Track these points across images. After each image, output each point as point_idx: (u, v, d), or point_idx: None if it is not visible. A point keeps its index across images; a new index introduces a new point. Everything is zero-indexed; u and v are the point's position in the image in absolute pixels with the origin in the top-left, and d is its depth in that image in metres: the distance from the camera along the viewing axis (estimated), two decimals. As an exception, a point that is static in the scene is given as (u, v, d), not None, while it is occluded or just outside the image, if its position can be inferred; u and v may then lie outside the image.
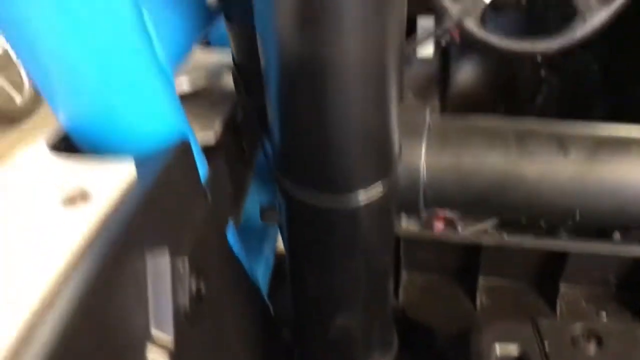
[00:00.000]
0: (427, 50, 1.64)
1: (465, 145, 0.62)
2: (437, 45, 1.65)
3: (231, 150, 0.73)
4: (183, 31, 0.61)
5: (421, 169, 0.63)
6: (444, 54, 1.70)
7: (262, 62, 0.56)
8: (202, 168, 0.61)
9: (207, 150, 0.65)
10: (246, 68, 0.72)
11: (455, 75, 1.74)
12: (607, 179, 0.57)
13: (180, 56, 0.61)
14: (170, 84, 0.55)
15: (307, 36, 0.49)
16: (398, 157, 0.65)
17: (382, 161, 0.65)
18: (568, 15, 1.13)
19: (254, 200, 0.87)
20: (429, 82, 1.76)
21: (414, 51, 1.66)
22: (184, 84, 0.74)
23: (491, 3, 1.16)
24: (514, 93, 1.75)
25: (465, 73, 1.73)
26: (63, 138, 0.53)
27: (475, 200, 0.63)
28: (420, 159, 0.63)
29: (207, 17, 0.66)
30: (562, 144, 0.59)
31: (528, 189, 0.59)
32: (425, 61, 1.69)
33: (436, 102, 1.79)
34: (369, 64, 0.52)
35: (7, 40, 0.44)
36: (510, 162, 0.60)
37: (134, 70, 0.48)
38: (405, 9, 0.55)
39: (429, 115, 0.66)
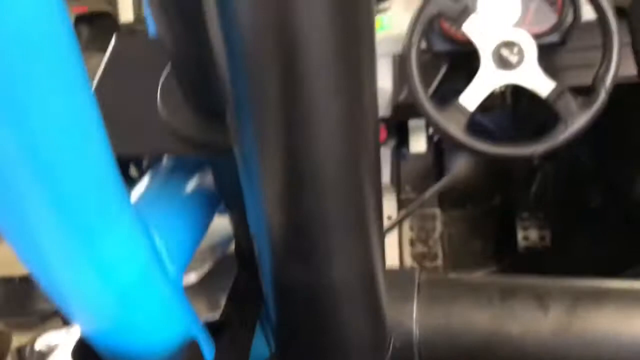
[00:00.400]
0: (420, 146, 1.68)
1: (453, 305, 0.64)
2: (430, 140, 1.69)
3: (234, 321, 0.74)
4: (190, 232, 0.63)
5: (414, 330, 0.65)
6: (436, 148, 1.74)
7: (257, 260, 0.58)
8: (208, 350, 0.63)
9: (212, 326, 0.67)
10: (245, 246, 0.74)
11: (450, 168, 1.77)
12: (588, 332, 0.58)
13: (188, 255, 0.64)
14: (179, 290, 0.57)
15: (298, 267, 0.52)
16: (390, 334, 0.67)
17: (377, 350, 0.67)
18: (552, 117, 1.17)
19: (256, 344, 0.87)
20: (424, 175, 1.79)
21: (408, 148, 1.70)
22: (191, 277, 0.76)
23: (477, 106, 1.21)
24: (509, 183, 1.77)
25: (459, 165, 1.76)
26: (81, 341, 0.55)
27: (466, 358, 0.64)
28: (413, 320, 0.65)
29: (212, 208, 0.68)
30: (542, 301, 0.60)
31: (513, 347, 0.60)
32: (419, 156, 1.73)
33: (433, 194, 1.81)
34: (359, 281, 0.55)
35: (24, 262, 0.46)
36: (495, 321, 0.62)
37: (147, 293, 0.51)
38: (382, 231, 0.57)
39: (418, 275, 0.68)
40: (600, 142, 1.52)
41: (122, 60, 0.62)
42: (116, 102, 0.56)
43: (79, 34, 4.03)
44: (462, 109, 1.18)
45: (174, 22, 0.45)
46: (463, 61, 1.31)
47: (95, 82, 0.61)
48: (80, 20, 3.88)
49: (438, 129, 1.19)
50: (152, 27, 0.68)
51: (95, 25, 4.18)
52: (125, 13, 4.10)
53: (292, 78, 0.34)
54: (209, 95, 0.49)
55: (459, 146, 1.20)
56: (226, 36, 0.34)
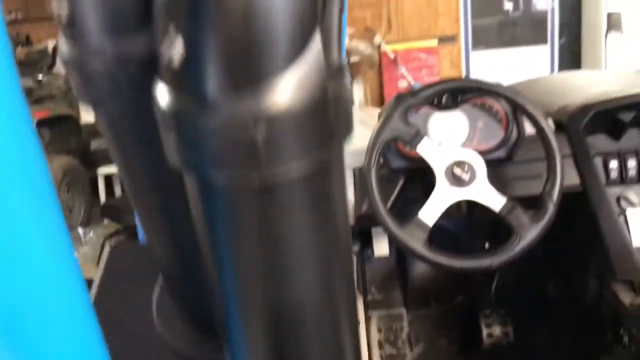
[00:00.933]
0: (383, 250, 1.73)
1: None
2: (391, 243, 1.74)
3: None
4: None
5: None
6: (399, 250, 1.80)
7: None
8: None
9: None
10: None
11: (413, 269, 1.83)
12: None
13: None
14: None
15: None
16: None
17: None
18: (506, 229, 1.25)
19: None
20: (389, 277, 1.84)
21: (372, 251, 1.75)
22: None
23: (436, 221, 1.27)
24: (470, 281, 1.83)
25: (422, 266, 1.81)
26: None
27: None
28: None
29: None
30: None
31: None
32: (382, 258, 1.78)
33: (398, 295, 1.85)
34: None
35: None
36: None
37: None
38: None
39: None
40: (552, 243, 1.60)
41: (117, 272, 0.66)
42: (113, 318, 0.59)
43: (41, 137, 4.06)
44: (421, 225, 1.24)
45: (161, 233, 0.49)
46: (418, 175, 1.39)
47: (92, 299, 0.64)
48: (42, 123, 3.93)
49: (400, 244, 1.24)
50: (141, 234, 0.72)
51: (56, 128, 4.23)
52: (86, 115, 4.17)
53: (281, 309, 0.39)
54: (201, 310, 0.53)
55: (420, 260, 1.25)
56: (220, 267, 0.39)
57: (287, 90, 0.32)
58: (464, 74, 5.35)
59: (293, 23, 0.31)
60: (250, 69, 0.31)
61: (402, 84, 5.49)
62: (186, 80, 0.32)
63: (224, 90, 0.32)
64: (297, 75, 0.32)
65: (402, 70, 5.43)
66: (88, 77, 0.40)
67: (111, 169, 4.21)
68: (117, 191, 4.47)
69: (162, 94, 0.34)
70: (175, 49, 0.31)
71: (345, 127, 0.37)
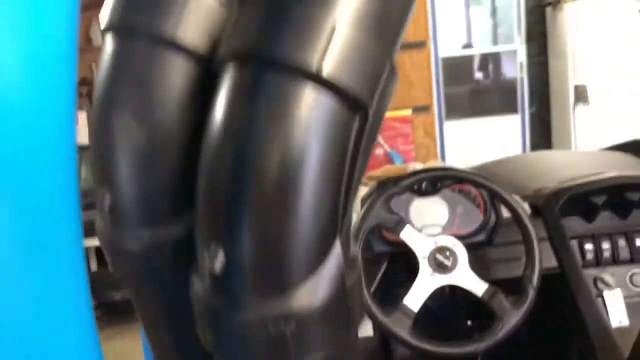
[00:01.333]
0: (366, 331, 1.73)
1: None
2: (375, 326, 1.75)
3: None
4: None
5: None
6: (382, 333, 1.80)
7: None
8: None
9: None
10: None
11: (397, 349, 1.82)
12: None
13: None
14: None
15: None
16: None
17: None
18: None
19: None
20: (373, 358, 1.83)
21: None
22: None
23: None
24: (454, 360, 1.83)
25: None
26: None
27: None
28: None
29: None
30: None
31: None
32: (366, 339, 1.78)
33: (384, 376, 1.84)
34: None
35: None
36: None
37: None
38: None
39: None
40: (533, 321, 1.62)
41: None
42: None
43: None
44: (407, 311, 1.26)
45: None
46: (401, 258, 1.41)
47: None
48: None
49: (385, 331, 1.26)
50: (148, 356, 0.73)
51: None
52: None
53: None
54: None
55: (405, 346, 1.26)
56: None
57: (312, 292, 0.36)
58: (438, 143, 5.47)
59: (317, 239, 0.35)
60: (281, 278, 0.35)
61: (379, 152, 5.59)
62: (226, 284, 0.36)
63: (258, 293, 0.36)
64: (321, 278, 0.36)
65: (379, 138, 5.54)
66: (123, 256, 0.43)
67: (87, 243, 4.16)
68: (93, 266, 4.41)
69: (201, 291, 0.37)
70: (216, 261, 0.35)
71: (360, 311, 0.41)
